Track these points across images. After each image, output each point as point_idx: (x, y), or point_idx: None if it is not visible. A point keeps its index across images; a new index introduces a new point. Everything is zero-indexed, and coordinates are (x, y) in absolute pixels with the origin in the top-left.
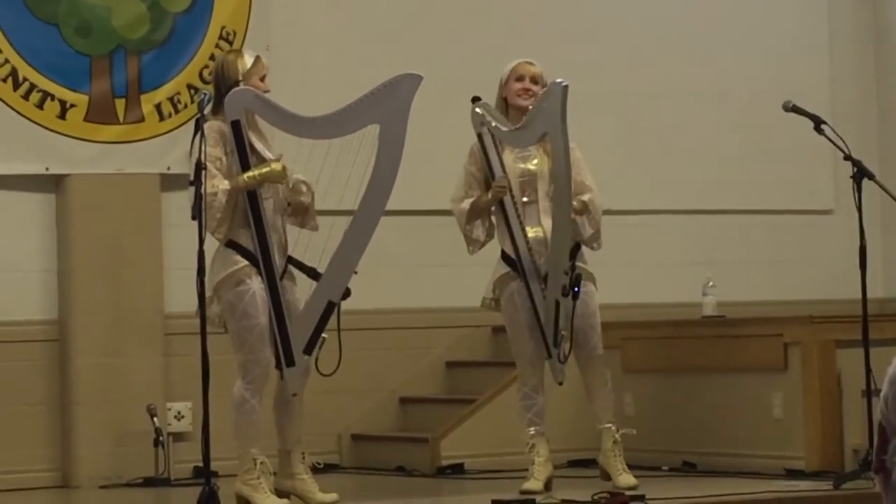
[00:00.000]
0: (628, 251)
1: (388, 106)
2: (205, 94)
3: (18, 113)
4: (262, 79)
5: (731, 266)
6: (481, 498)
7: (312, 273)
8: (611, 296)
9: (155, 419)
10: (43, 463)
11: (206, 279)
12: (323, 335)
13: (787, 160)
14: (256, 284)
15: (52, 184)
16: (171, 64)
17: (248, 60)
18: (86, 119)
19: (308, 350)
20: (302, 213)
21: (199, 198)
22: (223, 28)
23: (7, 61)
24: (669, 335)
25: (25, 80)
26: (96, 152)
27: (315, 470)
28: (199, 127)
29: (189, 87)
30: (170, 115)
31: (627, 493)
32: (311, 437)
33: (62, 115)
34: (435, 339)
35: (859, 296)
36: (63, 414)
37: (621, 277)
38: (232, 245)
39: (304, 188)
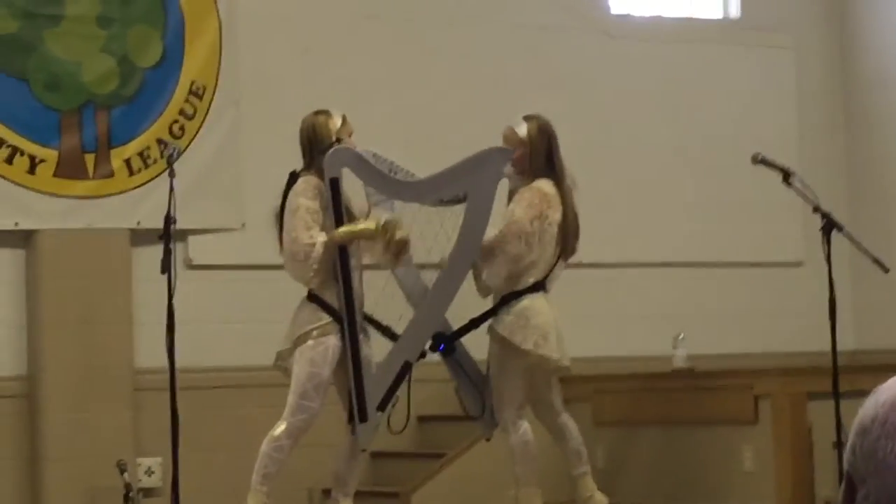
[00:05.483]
0: (598, 304)
1: (478, 176)
2: (174, 148)
3: None
4: (350, 135)
5: (702, 319)
6: None
7: (389, 333)
8: (582, 349)
9: (125, 475)
10: None
11: (289, 330)
12: (396, 394)
13: (757, 213)
14: (333, 340)
15: (22, 239)
16: (140, 119)
17: (337, 120)
18: (55, 174)
19: (382, 407)
20: (404, 251)
21: (168, 252)
22: (193, 83)
23: None
24: (640, 388)
25: None
26: (66, 207)
27: None
28: (172, 176)
29: (159, 141)
30: (139, 170)
31: None
32: (282, 493)
33: (31, 171)
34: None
35: (829, 348)
36: (33, 469)
37: (592, 330)
38: (316, 300)
39: (401, 222)
